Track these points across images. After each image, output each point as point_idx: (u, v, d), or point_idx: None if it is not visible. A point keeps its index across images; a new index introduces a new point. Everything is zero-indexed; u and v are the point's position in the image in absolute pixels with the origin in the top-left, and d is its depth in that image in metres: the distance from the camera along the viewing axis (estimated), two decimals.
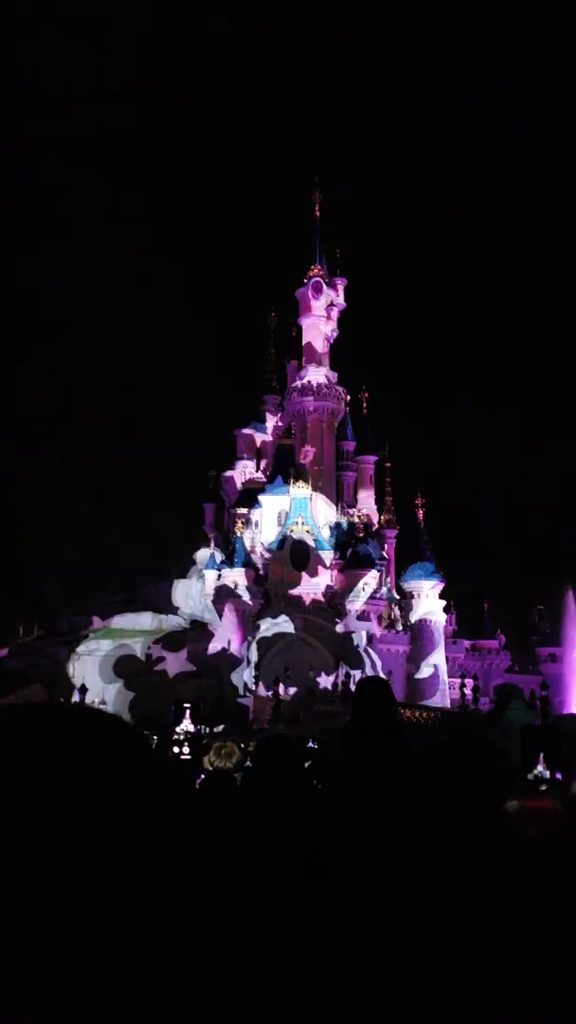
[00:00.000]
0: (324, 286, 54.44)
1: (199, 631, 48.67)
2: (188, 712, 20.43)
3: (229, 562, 48.09)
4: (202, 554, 53.70)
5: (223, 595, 47.16)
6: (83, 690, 36.30)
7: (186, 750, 19.19)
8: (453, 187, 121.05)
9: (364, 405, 57.66)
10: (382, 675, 35.72)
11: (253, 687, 44.64)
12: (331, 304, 55.21)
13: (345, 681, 42.60)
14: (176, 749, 19.43)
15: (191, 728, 20.15)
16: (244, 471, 56.36)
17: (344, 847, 2.13)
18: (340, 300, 57.29)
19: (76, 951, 0.97)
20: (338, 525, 50.85)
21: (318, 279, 54.36)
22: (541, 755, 11.98)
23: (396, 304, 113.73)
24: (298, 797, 2.50)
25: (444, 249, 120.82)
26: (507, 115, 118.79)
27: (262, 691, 44.22)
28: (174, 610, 52.32)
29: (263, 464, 56.51)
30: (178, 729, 20.35)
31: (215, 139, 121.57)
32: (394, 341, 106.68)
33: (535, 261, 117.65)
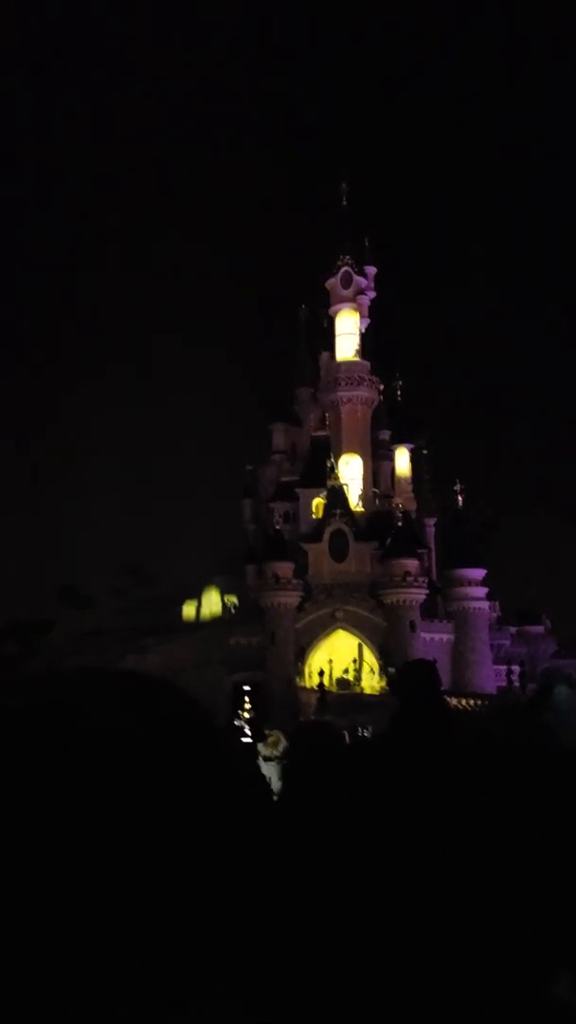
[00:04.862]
0: (353, 275, 54.20)
1: (241, 625, 49.00)
2: (247, 697, 20.59)
3: (269, 556, 48.27)
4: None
5: (264, 588, 47.37)
6: None
7: (247, 730, 19.30)
8: (481, 169, 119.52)
9: (399, 393, 57.30)
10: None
11: (298, 679, 44.81)
12: (361, 293, 54.95)
13: (389, 670, 42.53)
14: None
15: (252, 714, 20.30)
16: (280, 465, 56.41)
17: (389, 833, 2.16)
18: (370, 288, 56.98)
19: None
20: (377, 514, 50.68)
21: (347, 268, 54.13)
22: None
23: (427, 290, 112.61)
24: (340, 782, 2.54)
25: (474, 233, 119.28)
26: (536, 91, 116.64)
27: (307, 682, 44.38)
28: (216, 604, 52.75)
29: (299, 457, 56.49)
30: (238, 714, 20.50)
31: (238, 128, 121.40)
32: (427, 327, 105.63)
33: (570, 235, 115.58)
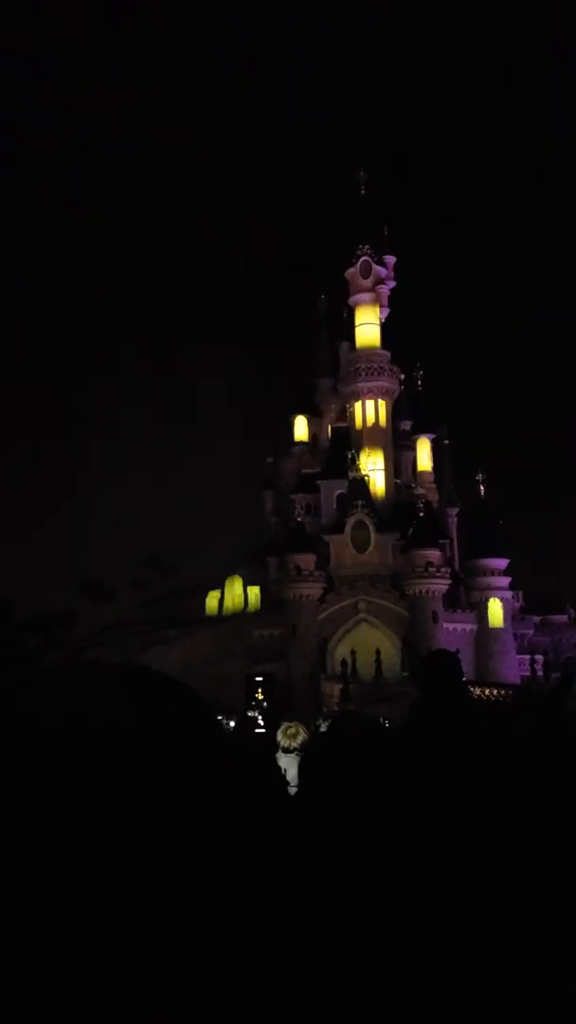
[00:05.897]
0: (373, 265, 53.82)
1: (265, 617, 49.04)
2: (260, 688, 20.72)
3: (291, 548, 48.25)
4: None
5: (286, 580, 47.36)
6: None
7: (261, 721, 19.42)
8: (501, 156, 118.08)
9: (420, 382, 56.92)
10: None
11: (320, 670, 44.79)
12: (381, 282, 54.57)
13: (411, 661, 42.42)
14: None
15: (264, 704, 20.42)
16: (301, 457, 56.21)
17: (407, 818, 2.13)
18: (390, 278, 56.58)
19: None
20: (398, 505, 50.47)
21: (366, 258, 53.75)
22: None
23: (447, 278, 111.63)
24: (366, 768, 2.52)
25: (494, 221, 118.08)
26: (554, 83, 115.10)
27: (330, 673, 44.36)
28: (238, 597, 52.75)
29: (320, 448, 56.30)
30: (252, 706, 20.62)
31: (259, 120, 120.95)
32: (447, 316, 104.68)
33: None
